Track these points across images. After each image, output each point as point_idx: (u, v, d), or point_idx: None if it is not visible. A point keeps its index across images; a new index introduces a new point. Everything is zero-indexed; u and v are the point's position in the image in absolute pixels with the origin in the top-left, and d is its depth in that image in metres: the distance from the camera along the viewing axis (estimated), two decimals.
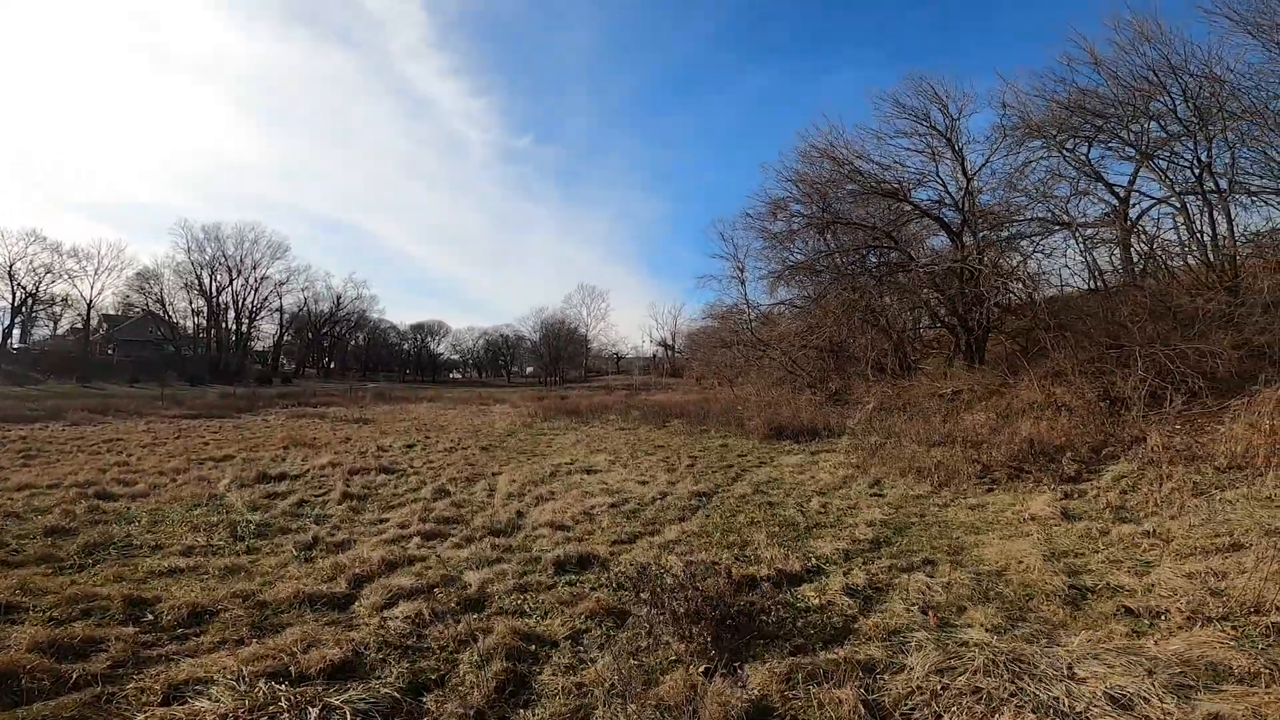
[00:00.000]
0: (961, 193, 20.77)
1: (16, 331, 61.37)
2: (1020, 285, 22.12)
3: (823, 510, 7.98)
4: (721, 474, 11.08)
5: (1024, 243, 21.24)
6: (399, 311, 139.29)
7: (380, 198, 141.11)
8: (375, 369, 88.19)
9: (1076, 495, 7.91)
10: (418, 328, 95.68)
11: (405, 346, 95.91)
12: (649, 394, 39.14)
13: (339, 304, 79.42)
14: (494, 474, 11.08)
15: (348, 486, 9.48)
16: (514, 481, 10.01)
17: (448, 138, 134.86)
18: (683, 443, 15.66)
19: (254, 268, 69.04)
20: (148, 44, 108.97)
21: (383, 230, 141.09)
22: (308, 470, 11.04)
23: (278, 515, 7.54)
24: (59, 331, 66.72)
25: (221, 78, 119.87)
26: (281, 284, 71.81)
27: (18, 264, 54.87)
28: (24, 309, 58.53)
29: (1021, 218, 20.31)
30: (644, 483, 10.16)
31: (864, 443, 13.83)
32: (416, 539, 6.22)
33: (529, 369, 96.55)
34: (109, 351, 64.02)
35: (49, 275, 57.80)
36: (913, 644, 3.78)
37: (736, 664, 3.60)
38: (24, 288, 56.39)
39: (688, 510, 8.13)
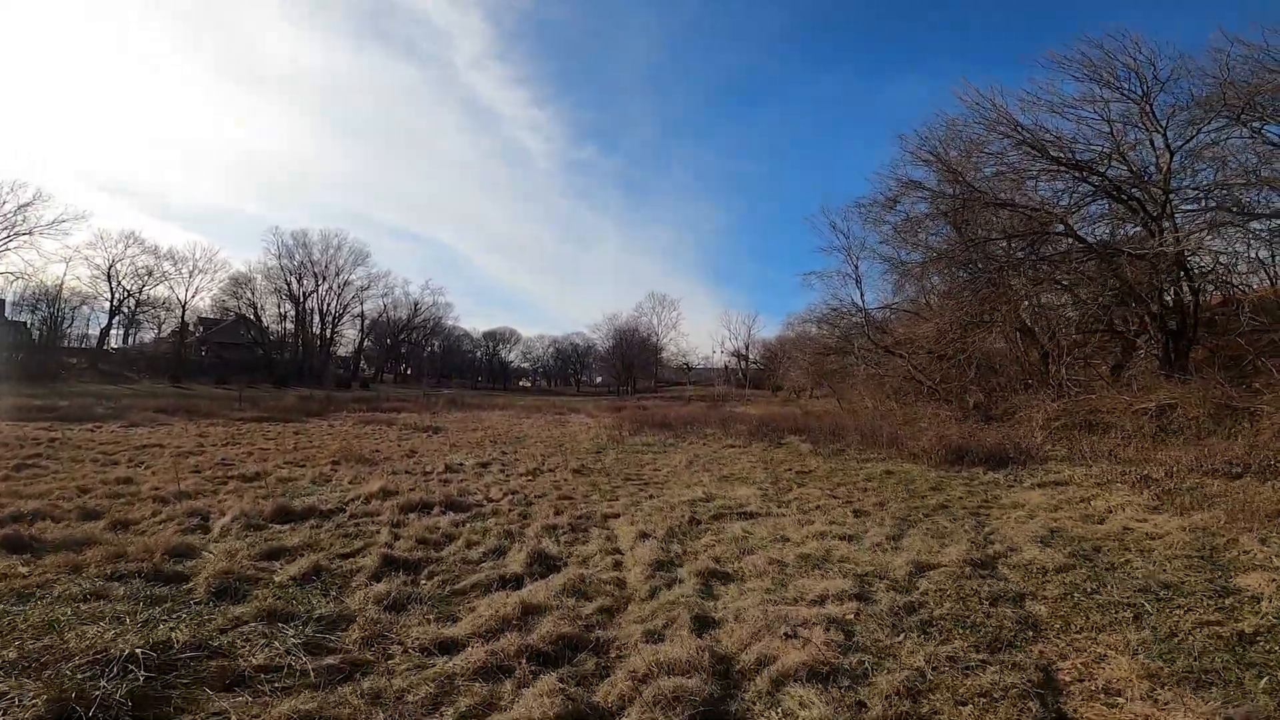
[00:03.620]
0: (1161, 171, 15.78)
1: (119, 333, 62.42)
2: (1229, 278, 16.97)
3: None
4: (947, 519, 7.00)
5: (1235, 231, 16.04)
6: (468, 320, 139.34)
7: (448, 208, 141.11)
8: (449, 375, 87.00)
9: None
10: (490, 335, 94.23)
11: (478, 354, 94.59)
12: (733, 406, 34.98)
13: (416, 310, 78.42)
14: (605, 515, 7.28)
15: (395, 539, 5.83)
16: (645, 535, 6.16)
17: (512, 148, 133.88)
18: (830, 468, 11.52)
19: (337, 273, 68.59)
20: (232, 58, 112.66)
21: (451, 240, 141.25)
22: (350, 502, 7.52)
23: (250, 618, 3.87)
24: (162, 334, 67.83)
25: (301, 92, 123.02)
26: (363, 289, 71.21)
27: (118, 265, 55.27)
28: (125, 310, 59.22)
29: (1248, 203, 15.16)
30: (849, 538, 6.14)
31: (1114, 473, 9.41)
32: None
33: (598, 378, 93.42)
34: (202, 353, 64.46)
35: (149, 277, 58.24)
36: None
37: None
38: (125, 289, 56.91)
39: (1009, 601, 4.05)
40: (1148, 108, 15.20)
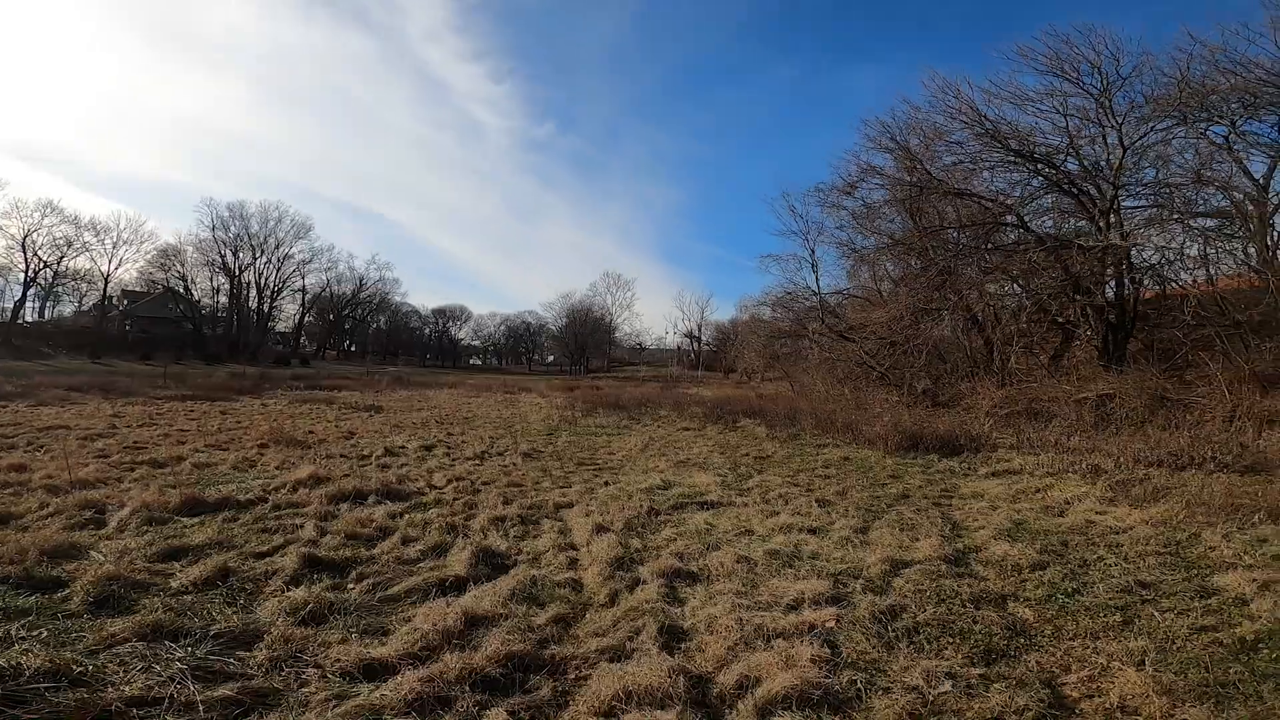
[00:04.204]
0: (1112, 167, 16.01)
1: (34, 305, 57.86)
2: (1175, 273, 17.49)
3: None
4: (911, 510, 6.81)
5: (1177, 228, 16.49)
6: (417, 297, 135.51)
7: (398, 183, 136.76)
8: (395, 353, 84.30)
9: None
10: (439, 312, 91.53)
11: (426, 331, 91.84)
12: (686, 387, 34.84)
13: (361, 286, 75.47)
14: (558, 505, 6.79)
15: (321, 534, 5.18)
16: (602, 528, 5.69)
17: (466, 124, 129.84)
18: (787, 453, 11.32)
19: (277, 246, 65.32)
20: (168, 23, 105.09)
21: (400, 216, 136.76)
22: (273, 491, 6.78)
23: (130, 635, 3.20)
24: (83, 308, 63.19)
25: (241, 59, 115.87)
26: (305, 263, 68.02)
27: (34, 235, 50.94)
28: (41, 282, 54.82)
29: (1191, 201, 15.59)
30: (815, 531, 5.84)
31: (1064, 463, 9.44)
32: None
33: (550, 357, 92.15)
34: (126, 327, 60.36)
35: (69, 248, 53.92)
36: None
37: None
38: (42, 260, 52.59)
39: (992, 604, 3.74)
40: (1106, 104, 15.40)
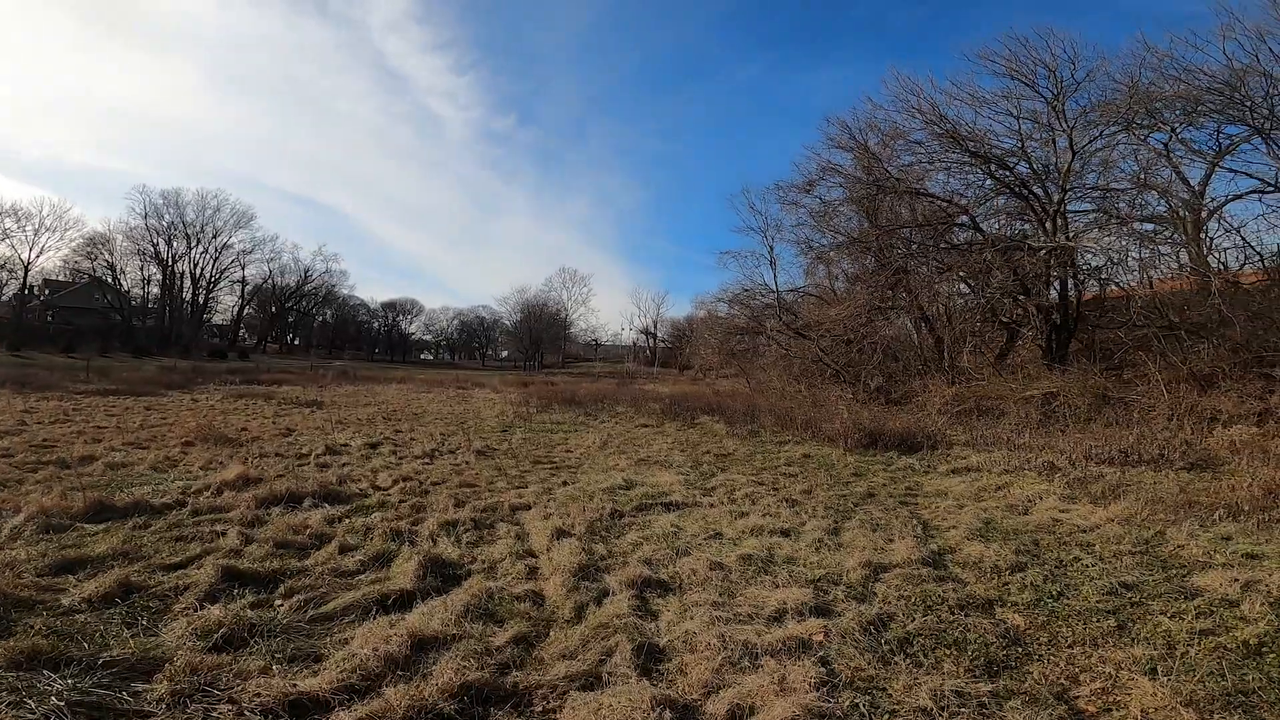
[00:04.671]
0: (1061, 171, 16.42)
1: None
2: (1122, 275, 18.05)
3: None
4: (879, 509, 6.64)
5: (1120, 229, 17.02)
6: (366, 289, 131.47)
7: (351, 174, 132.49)
8: (342, 347, 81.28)
9: None
10: (389, 305, 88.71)
11: (375, 325, 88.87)
12: (642, 384, 34.55)
13: (306, 277, 72.52)
14: (514, 507, 6.32)
15: (246, 542, 4.59)
16: (562, 532, 5.27)
17: (425, 115, 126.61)
18: (749, 451, 11.11)
19: (214, 236, 62.13)
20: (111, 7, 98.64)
21: (352, 207, 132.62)
22: (195, 493, 6.10)
23: (1, 663, 2.68)
24: (2, 298, 58.54)
25: (192, 46, 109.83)
26: (245, 253, 64.85)
27: None
28: None
29: (1136, 204, 16.09)
30: (787, 533, 5.57)
31: (1020, 460, 9.50)
32: None
33: (504, 353, 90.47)
34: (47, 318, 56.25)
35: None
36: None
37: None
38: None
39: (979, 610, 3.51)
40: (1059, 108, 15.74)
